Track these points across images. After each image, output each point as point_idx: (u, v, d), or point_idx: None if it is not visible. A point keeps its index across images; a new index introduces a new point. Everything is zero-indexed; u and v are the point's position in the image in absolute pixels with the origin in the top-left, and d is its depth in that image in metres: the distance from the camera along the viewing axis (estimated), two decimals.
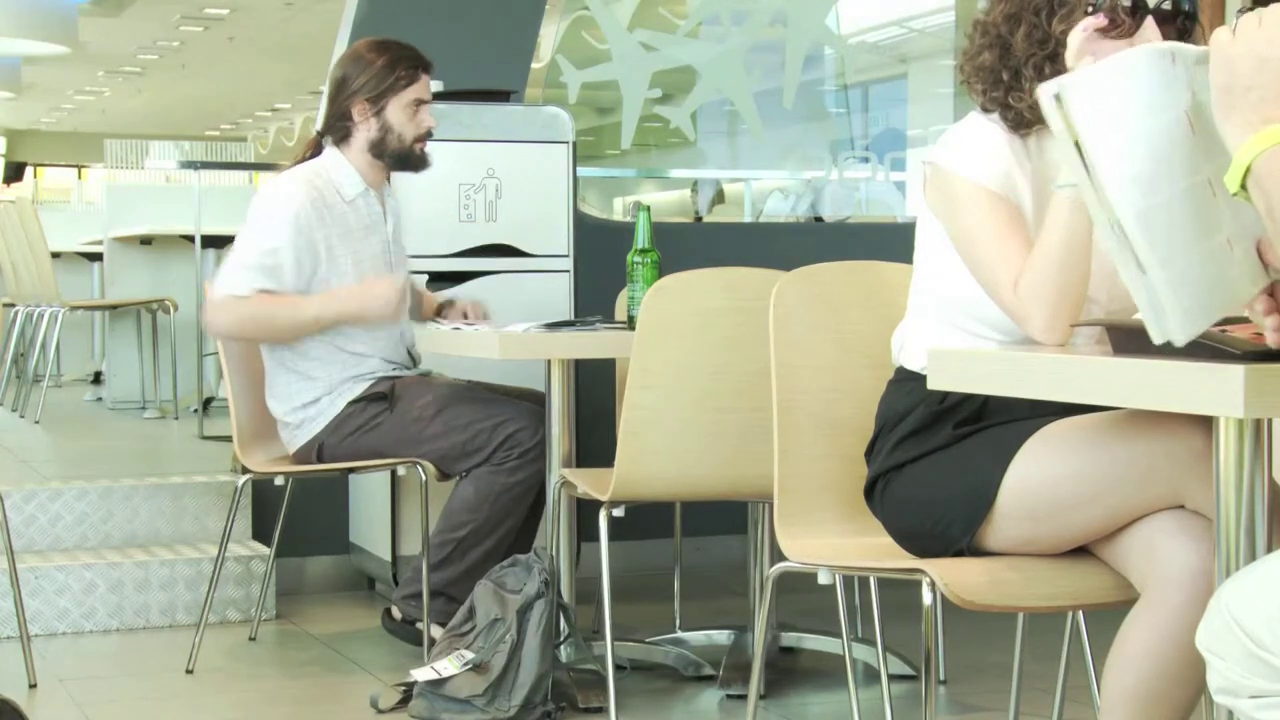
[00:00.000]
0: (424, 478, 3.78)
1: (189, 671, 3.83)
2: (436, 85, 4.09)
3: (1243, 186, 1.64)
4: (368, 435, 3.85)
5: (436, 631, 3.66)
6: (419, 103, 3.92)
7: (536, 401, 3.84)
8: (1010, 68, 2.40)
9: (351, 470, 3.97)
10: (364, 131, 3.91)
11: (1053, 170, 2.39)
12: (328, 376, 3.89)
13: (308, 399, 3.89)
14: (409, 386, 3.90)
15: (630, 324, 3.55)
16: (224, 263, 3.90)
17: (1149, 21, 2.33)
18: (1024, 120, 2.41)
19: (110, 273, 7.53)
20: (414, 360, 4.06)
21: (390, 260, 3.99)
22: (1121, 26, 2.34)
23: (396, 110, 3.90)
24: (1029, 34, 2.39)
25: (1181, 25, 2.37)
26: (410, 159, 3.95)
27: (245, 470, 3.89)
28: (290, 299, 3.82)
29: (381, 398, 3.87)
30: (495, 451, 3.78)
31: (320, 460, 3.90)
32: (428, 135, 3.95)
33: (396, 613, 3.95)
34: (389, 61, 3.91)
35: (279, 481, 3.95)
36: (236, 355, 3.95)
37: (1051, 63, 2.38)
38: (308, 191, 3.84)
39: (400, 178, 4.09)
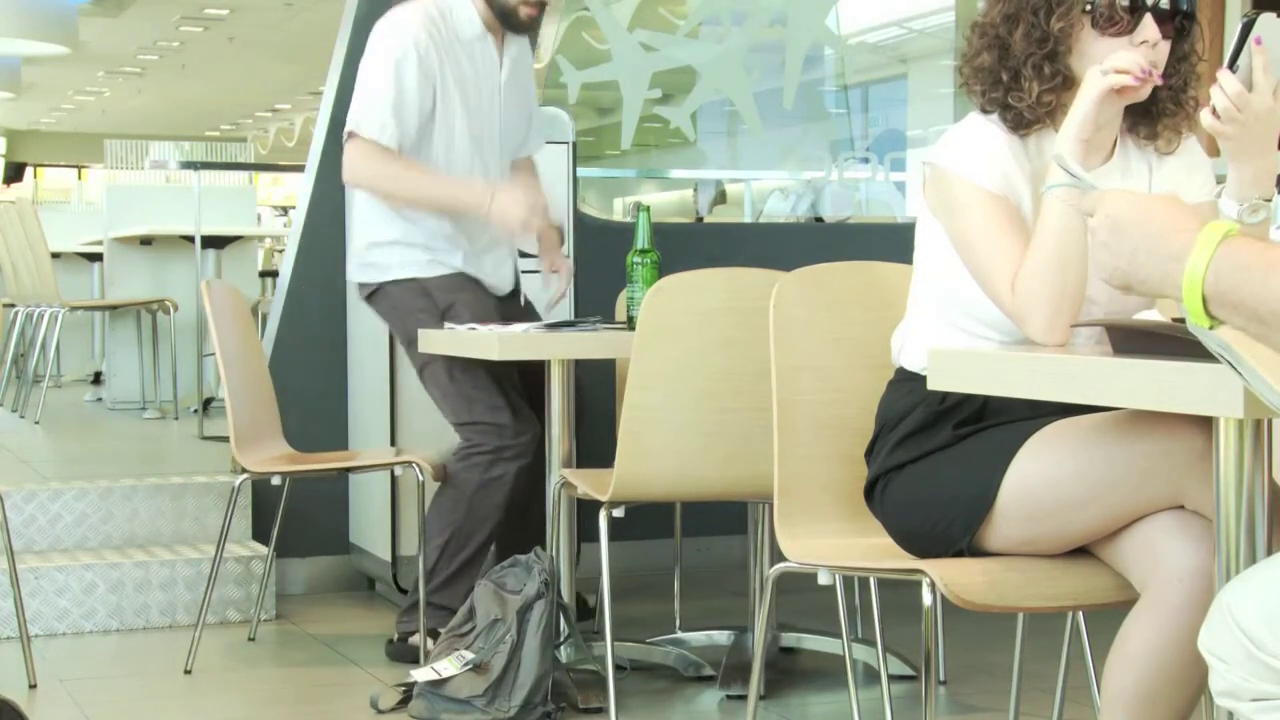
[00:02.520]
0: (420, 478, 3.78)
1: (187, 672, 3.83)
2: None
3: (1210, 315, 1.51)
4: (407, 320, 3.86)
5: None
6: None
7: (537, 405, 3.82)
8: (1009, 68, 2.40)
9: (348, 470, 3.98)
10: None
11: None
12: (418, 231, 3.86)
13: (386, 238, 3.89)
14: (465, 311, 3.85)
15: (630, 324, 3.55)
16: (355, 100, 3.86)
17: (1147, 19, 2.34)
18: (1024, 120, 2.41)
19: (110, 273, 7.54)
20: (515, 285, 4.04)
21: (499, 112, 3.93)
22: (1119, 24, 2.34)
23: None
24: (1027, 33, 2.39)
25: (1180, 25, 2.38)
26: (511, 15, 3.86)
27: (243, 470, 3.89)
28: (427, 176, 3.78)
29: (429, 301, 3.87)
30: (474, 431, 3.78)
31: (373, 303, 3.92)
32: (539, 3, 3.86)
33: (395, 635, 3.93)
34: None
35: (275, 481, 3.94)
36: (234, 353, 3.94)
37: (1050, 61, 2.38)
38: (424, 23, 3.80)
39: None
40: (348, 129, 3.84)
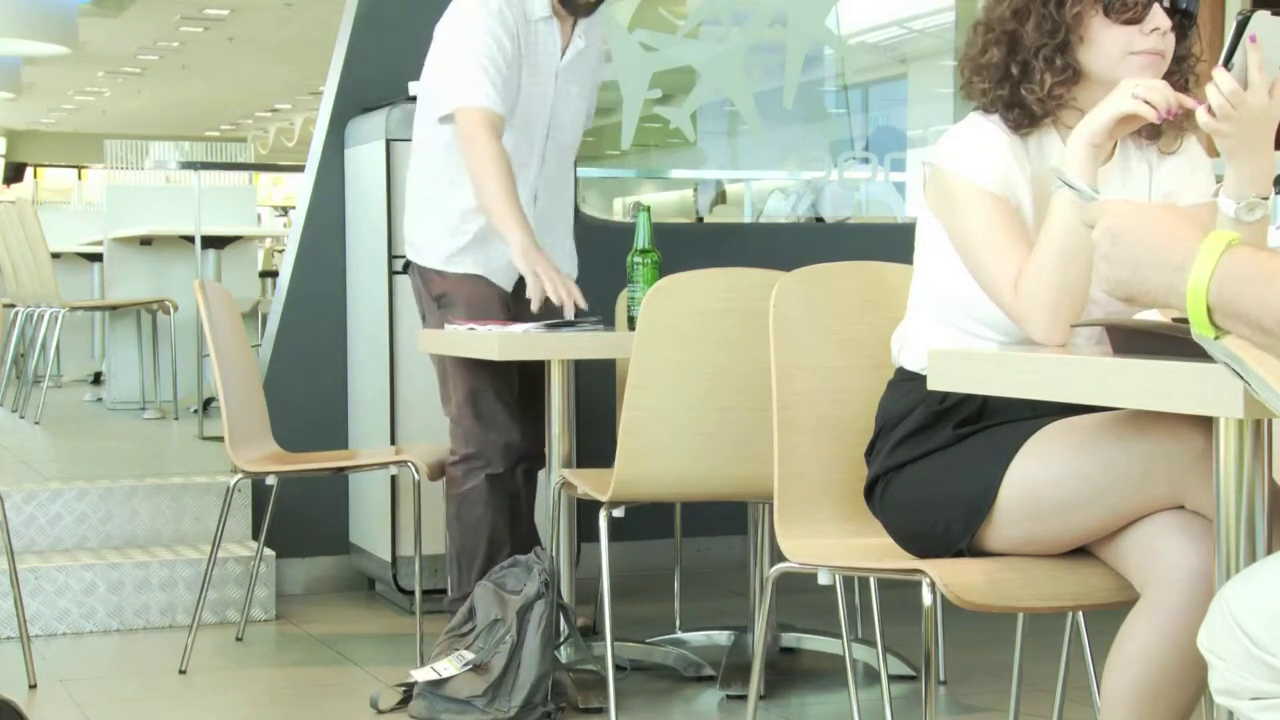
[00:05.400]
0: (416, 477, 3.78)
1: (182, 672, 3.82)
2: None
3: (1215, 325, 1.51)
4: (439, 311, 3.89)
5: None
6: None
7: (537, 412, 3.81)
8: (1020, 61, 2.41)
9: (343, 469, 3.98)
10: None
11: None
12: (439, 222, 3.90)
13: (419, 222, 3.95)
14: (460, 304, 3.87)
15: (630, 324, 3.55)
16: (447, 78, 3.80)
17: (1156, 8, 2.35)
18: (1030, 116, 2.41)
19: (110, 273, 7.54)
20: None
21: (551, 97, 3.92)
22: (1132, 11, 2.35)
23: None
24: (1039, 24, 2.39)
25: (1180, 24, 2.38)
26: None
27: (238, 470, 3.88)
28: (509, 198, 3.67)
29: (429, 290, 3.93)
30: (451, 431, 3.86)
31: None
32: None
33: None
34: None
35: (270, 481, 3.93)
36: (228, 351, 3.93)
37: (1062, 53, 2.38)
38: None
39: None
40: (448, 110, 3.77)
